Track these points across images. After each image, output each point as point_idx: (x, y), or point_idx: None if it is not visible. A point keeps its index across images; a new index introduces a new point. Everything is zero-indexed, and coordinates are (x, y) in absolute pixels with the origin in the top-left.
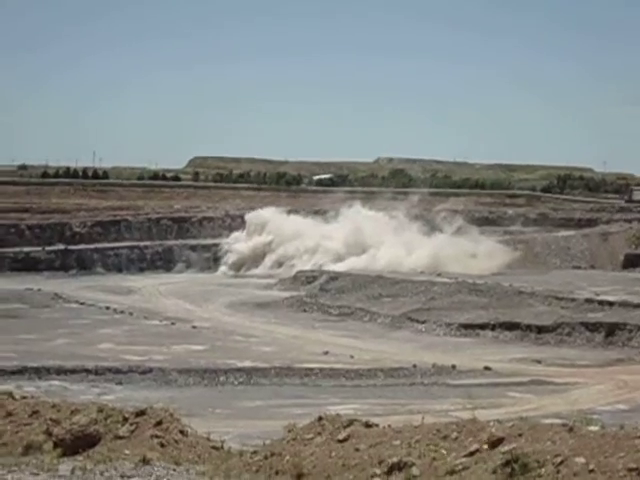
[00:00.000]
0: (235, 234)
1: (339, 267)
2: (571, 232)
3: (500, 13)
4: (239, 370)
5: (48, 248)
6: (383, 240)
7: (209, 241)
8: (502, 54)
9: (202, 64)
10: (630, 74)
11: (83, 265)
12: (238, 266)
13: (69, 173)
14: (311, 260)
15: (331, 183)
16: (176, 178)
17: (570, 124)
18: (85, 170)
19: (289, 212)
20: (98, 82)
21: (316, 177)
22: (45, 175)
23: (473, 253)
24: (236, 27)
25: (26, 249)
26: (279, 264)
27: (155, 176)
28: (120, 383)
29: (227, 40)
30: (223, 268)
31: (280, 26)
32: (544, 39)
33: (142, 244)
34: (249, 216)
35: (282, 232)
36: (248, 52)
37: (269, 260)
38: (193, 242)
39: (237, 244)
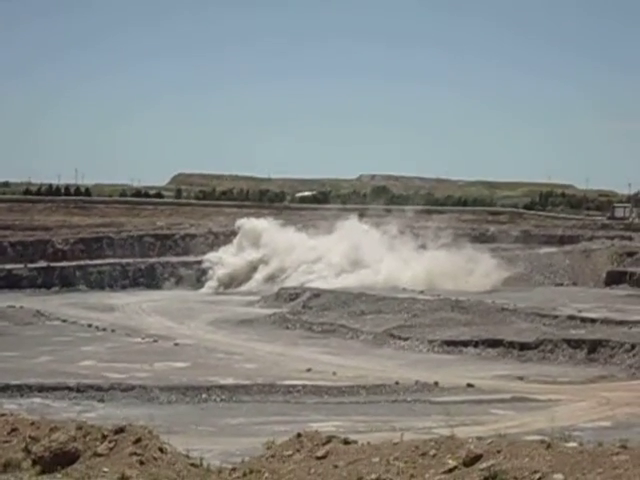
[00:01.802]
0: (224, 248)
1: (341, 282)
2: (553, 249)
3: (480, 33)
4: (221, 387)
5: (30, 265)
6: (381, 255)
7: (192, 258)
8: (483, 73)
9: (186, 83)
10: (612, 91)
11: (65, 282)
12: (227, 282)
13: (51, 190)
14: (312, 274)
15: (314, 200)
16: (159, 195)
17: (552, 141)
18: (67, 187)
19: (282, 225)
20: (79, 99)
21: (299, 194)
22: (27, 192)
23: (470, 269)
24: (220, 47)
25: (8, 266)
26: (273, 279)
27: (138, 193)
28: (102, 400)
29: (212, 60)
30: (211, 283)
31: (261, 47)
32: (525, 57)
33: (124, 261)
34: (241, 224)
35: (277, 245)
36: (232, 72)
37: (262, 275)
38: (176, 259)
39: (227, 258)
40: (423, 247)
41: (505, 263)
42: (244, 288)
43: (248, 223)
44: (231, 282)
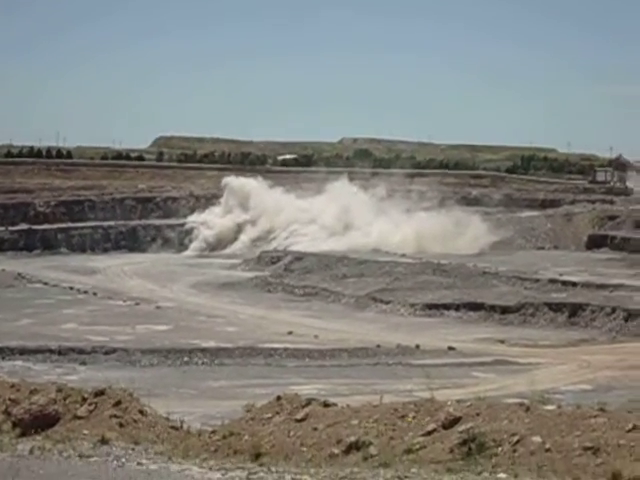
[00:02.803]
0: (210, 209)
1: (332, 244)
2: (535, 213)
3: (463, 1)
4: (203, 350)
5: (12, 228)
6: (370, 218)
7: (174, 221)
8: (467, 40)
9: (165, 38)
10: (595, 55)
11: (47, 245)
12: (214, 244)
13: (33, 153)
14: (304, 236)
15: (296, 163)
16: (140, 158)
17: (534, 105)
18: (49, 150)
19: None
20: (60, 60)
21: (281, 157)
22: (9, 155)
23: (458, 233)
24: (215, 22)
25: None
26: (262, 240)
27: (119, 156)
28: (84, 363)
29: (193, 11)
30: (195, 245)
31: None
32: (507, 24)
33: (106, 224)
34: (228, 183)
35: (266, 206)
36: (214, 22)
37: (249, 236)
38: (158, 222)
39: (213, 219)
40: (410, 210)
41: (493, 227)
42: (230, 250)
43: (235, 181)
44: (217, 244)
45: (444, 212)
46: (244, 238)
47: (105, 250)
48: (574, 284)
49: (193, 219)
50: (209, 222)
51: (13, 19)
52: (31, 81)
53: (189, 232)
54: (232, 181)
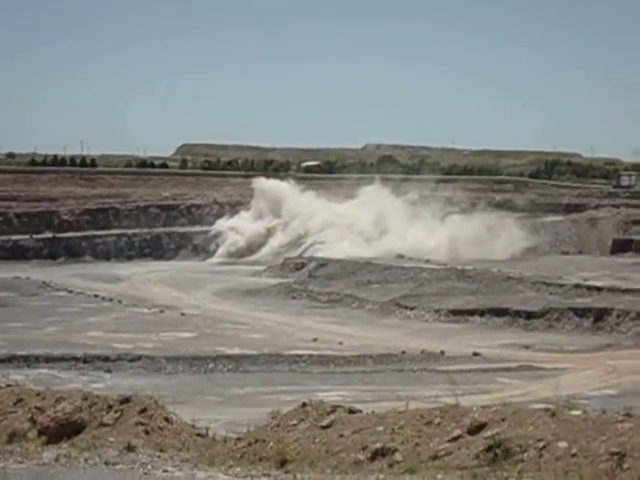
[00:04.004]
0: (240, 214)
1: (372, 249)
2: (559, 217)
3: (485, 10)
4: (228, 357)
5: (36, 236)
6: (405, 223)
7: (198, 228)
8: (488, 45)
9: (192, 57)
10: (617, 60)
11: (71, 253)
12: (243, 249)
13: (57, 161)
14: (341, 242)
15: (319, 169)
16: (164, 165)
17: (558, 110)
18: (73, 158)
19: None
20: (84, 67)
21: (304, 164)
22: (33, 163)
23: (492, 238)
24: (227, 25)
25: (14, 237)
26: (293, 245)
27: (143, 164)
28: (109, 371)
29: (219, 36)
30: (222, 250)
31: (266, 24)
32: (529, 29)
33: (130, 232)
34: (259, 185)
35: (299, 210)
36: (237, 47)
37: (279, 242)
38: (182, 230)
39: (242, 224)
40: (443, 215)
41: (528, 232)
42: (259, 255)
43: (266, 184)
44: (246, 250)
45: (477, 216)
46: (273, 243)
47: (129, 258)
48: (599, 289)
49: (221, 224)
50: (238, 227)
51: (32, 20)
52: (55, 90)
53: (214, 238)
54: (263, 183)
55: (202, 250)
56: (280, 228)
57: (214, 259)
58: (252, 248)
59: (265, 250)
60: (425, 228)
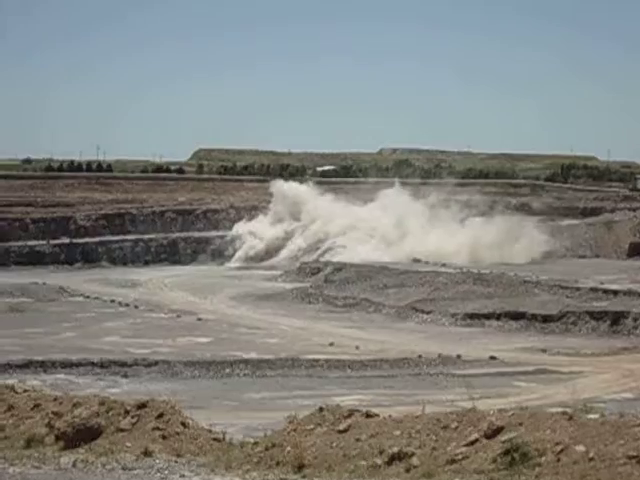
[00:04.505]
0: (259, 218)
1: (394, 253)
2: (575, 221)
3: (492, 14)
4: (244, 362)
5: (53, 242)
6: (426, 226)
7: (214, 233)
8: (504, 50)
9: (207, 60)
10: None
11: (88, 258)
12: (261, 253)
13: (73, 166)
14: (364, 245)
15: (335, 174)
16: (180, 171)
17: (574, 114)
18: (89, 163)
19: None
20: (100, 76)
21: (320, 168)
22: (49, 169)
23: (512, 241)
24: (244, 28)
25: (31, 243)
26: (312, 249)
27: (159, 169)
28: (126, 376)
29: (234, 39)
30: (240, 254)
31: (283, 27)
32: (546, 35)
33: (147, 237)
34: (278, 187)
35: (319, 212)
36: (253, 50)
37: (299, 245)
38: (198, 234)
39: (261, 228)
40: (463, 219)
41: (549, 235)
42: (278, 259)
43: (285, 186)
44: (265, 254)
45: (497, 220)
46: (292, 247)
47: (146, 263)
48: (615, 292)
49: (239, 228)
50: (257, 231)
51: (46, 24)
52: (71, 96)
53: (232, 242)
54: (281, 186)
55: (219, 255)
56: (299, 232)
57: (231, 264)
58: (270, 252)
59: (283, 254)
60: (445, 232)
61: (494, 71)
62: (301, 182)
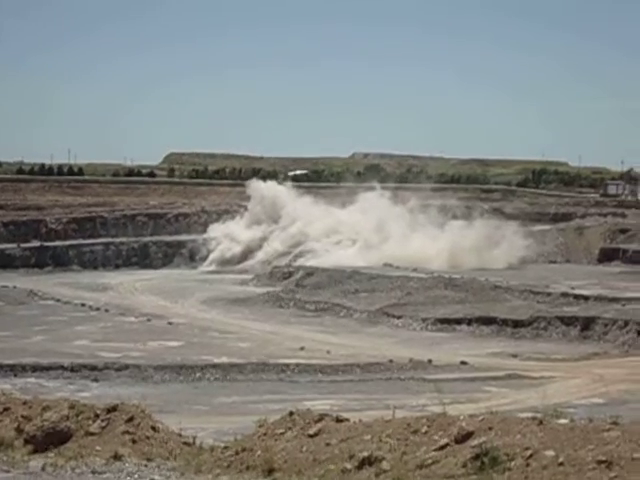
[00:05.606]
0: (235, 220)
1: (375, 257)
2: (546, 226)
3: (470, 11)
4: (215, 366)
5: (23, 245)
6: (406, 231)
7: (185, 237)
8: (475, 52)
9: (178, 67)
10: (606, 69)
11: (59, 262)
12: (238, 256)
13: (44, 170)
14: (347, 250)
15: (307, 178)
16: (151, 174)
17: (546, 119)
18: (60, 167)
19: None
20: (71, 77)
21: (291, 173)
22: (20, 172)
23: (491, 246)
24: (214, 33)
25: (1, 246)
26: (289, 253)
27: (130, 173)
28: (96, 380)
29: (205, 46)
30: (215, 256)
31: (252, 32)
32: (516, 35)
33: (118, 240)
34: (256, 187)
35: (298, 214)
36: (224, 56)
37: (275, 248)
38: (169, 238)
39: (237, 230)
40: (441, 223)
41: (533, 240)
42: (253, 262)
43: (263, 186)
44: (240, 257)
45: (477, 224)
46: (268, 249)
47: (117, 267)
48: (586, 297)
49: (214, 230)
50: (233, 233)
51: (24, 29)
52: (42, 99)
53: (205, 245)
54: (259, 186)
55: (190, 259)
56: (277, 234)
57: (204, 267)
58: (247, 254)
59: (259, 256)
60: (426, 236)
61: (467, 76)
62: (279, 183)
